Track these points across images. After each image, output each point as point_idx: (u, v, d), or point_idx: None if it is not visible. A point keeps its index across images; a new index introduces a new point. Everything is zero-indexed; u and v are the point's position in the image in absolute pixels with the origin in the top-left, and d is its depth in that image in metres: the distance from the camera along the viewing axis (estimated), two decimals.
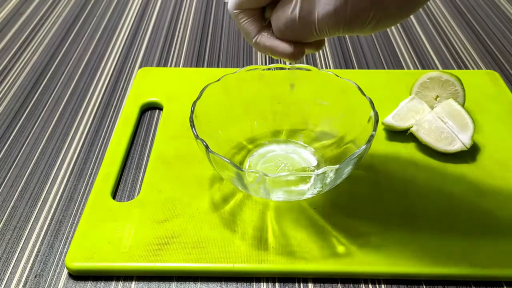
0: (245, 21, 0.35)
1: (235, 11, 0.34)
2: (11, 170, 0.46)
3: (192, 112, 0.40)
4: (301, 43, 0.34)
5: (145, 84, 0.55)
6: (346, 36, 0.66)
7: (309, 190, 0.37)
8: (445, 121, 0.46)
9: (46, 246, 0.40)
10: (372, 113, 0.39)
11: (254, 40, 0.35)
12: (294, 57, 0.34)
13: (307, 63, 0.60)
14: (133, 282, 0.37)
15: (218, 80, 0.43)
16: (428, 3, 0.73)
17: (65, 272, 0.38)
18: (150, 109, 0.53)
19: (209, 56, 0.62)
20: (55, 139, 0.50)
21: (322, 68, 0.60)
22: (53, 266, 0.38)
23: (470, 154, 0.46)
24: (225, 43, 0.65)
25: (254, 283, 0.37)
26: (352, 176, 0.42)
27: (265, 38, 0.35)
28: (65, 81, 0.58)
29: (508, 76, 0.58)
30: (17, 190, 0.44)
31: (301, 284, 0.37)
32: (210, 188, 0.43)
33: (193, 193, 0.42)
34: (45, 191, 0.44)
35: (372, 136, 0.37)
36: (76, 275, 0.37)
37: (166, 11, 0.72)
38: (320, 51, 0.62)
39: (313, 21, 0.31)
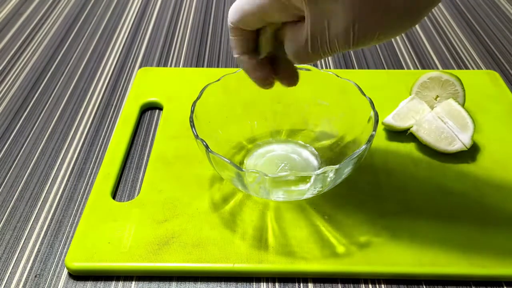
0: (235, 38, 0.35)
1: (230, 24, 0.35)
2: (11, 170, 0.46)
3: (192, 112, 0.40)
4: (273, 77, 0.37)
5: (145, 84, 0.55)
6: None
7: (309, 190, 0.37)
8: (445, 121, 0.46)
9: (46, 246, 0.40)
10: (372, 113, 0.39)
11: (236, 56, 0.36)
12: (263, 85, 0.37)
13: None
14: (133, 282, 0.37)
15: (218, 80, 0.43)
16: None
17: (65, 272, 0.38)
18: (150, 109, 0.53)
19: (209, 56, 0.62)
20: (55, 139, 0.50)
21: (322, 68, 0.60)
22: (53, 266, 0.38)
23: (470, 154, 0.46)
24: (225, 43, 0.65)
25: (254, 283, 0.37)
26: (352, 176, 0.42)
27: (246, 59, 0.36)
28: (65, 81, 0.58)
29: (508, 76, 0.58)
30: (17, 190, 0.44)
31: (301, 284, 0.37)
32: (210, 188, 0.43)
33: (193, 193, 0.42)
34: (45, 191, 0.44)
35: (372, 136, 0.37)
36: (76, 275, 0.37)
37: (166, 11, 0.72)
38: None
39: (325, 42, 0.30)
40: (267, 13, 0.32)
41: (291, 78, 0.38)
